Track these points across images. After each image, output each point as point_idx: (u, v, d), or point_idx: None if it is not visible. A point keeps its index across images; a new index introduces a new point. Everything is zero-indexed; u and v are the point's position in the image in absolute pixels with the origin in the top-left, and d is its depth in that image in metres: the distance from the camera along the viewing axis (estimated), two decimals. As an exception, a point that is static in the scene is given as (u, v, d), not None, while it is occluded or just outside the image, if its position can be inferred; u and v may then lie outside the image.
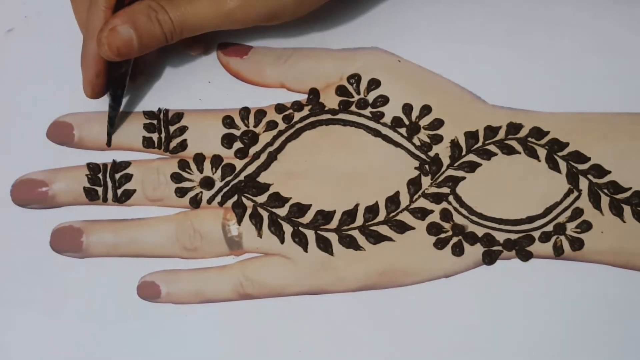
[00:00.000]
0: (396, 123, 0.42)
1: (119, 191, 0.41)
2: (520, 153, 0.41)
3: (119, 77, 0.41)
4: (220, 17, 0.39)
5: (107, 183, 0.41)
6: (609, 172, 0.40)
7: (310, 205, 0.41)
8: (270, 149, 0.42)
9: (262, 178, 0.41)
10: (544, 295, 0.39)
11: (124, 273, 0.40)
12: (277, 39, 0.44)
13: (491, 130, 0.41)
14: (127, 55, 0.39)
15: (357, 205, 0.41)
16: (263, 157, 0.42)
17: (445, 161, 0.41)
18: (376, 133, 0.42)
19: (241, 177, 0.41)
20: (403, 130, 0.42)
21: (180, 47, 0.43)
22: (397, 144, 0.41)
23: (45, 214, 0.41)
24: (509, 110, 0.42)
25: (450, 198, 0.41)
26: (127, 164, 0.42)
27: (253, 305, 0.40)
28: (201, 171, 0.41)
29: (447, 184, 0.41)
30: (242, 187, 0.41)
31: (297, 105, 0.43)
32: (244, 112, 0.42)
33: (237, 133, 0.42)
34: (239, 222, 0.40)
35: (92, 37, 0.39)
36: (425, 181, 0.41)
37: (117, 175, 0.41)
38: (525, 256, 0.40)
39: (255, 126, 0.42)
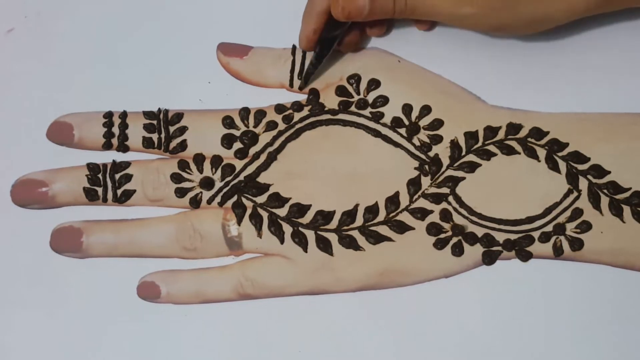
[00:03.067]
0: (396, 123, 0.42)
1: (119, 191, 0.41)
2: (520, 153, 0.41)
3: (329, 39, 0.41)
4: (451, 16, 0.39)
5: (107, 183, 0.41)
6: (609, 172, 0.40)
7: (310, 205, 0.41)
8: (270, 149, 0.42)
9: (262, 178, 0.41)
10: (543, 296, 0.39)
11: (124, 273, 0.40)
12: (277, 39, 0.44)
13: (491, 131, 0.41)
14: (353, 18, 0.39)
15: (356, 206, 0.41)
16: (263, 157, 0.42)
17: (445, 161, 0.41)
18: (376, 133, 0.42)
19: (241, 177, 0.41)
20: (403, 131, 0.42)
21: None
22: (397, 144, 0.41)
23: (45, 214, 0.41)
24: (509, 110, 0.42)
25: (450, 198, 0.41)
26: (127, 164, 0.42)
27: (253, 306, 0.40)
28: (201, 171, 0.41)
29: (447, 184, 0.41)
30: (242, 188, 0.41)
31: (297, 106, 0.43)
32: (244, 112, 0.42)
33: (237, 133, 0.42)
34: (239, 222, 0.40)
35: None
36: (425, 181, 0.41)
37: (117, 176, 0.41)
38: (525, 256, 0.40)
39: (255, 126, 0.42)
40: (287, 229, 0.40)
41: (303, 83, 0.43)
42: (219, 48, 0.44)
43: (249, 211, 0.41)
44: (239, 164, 0.42)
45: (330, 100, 0.43)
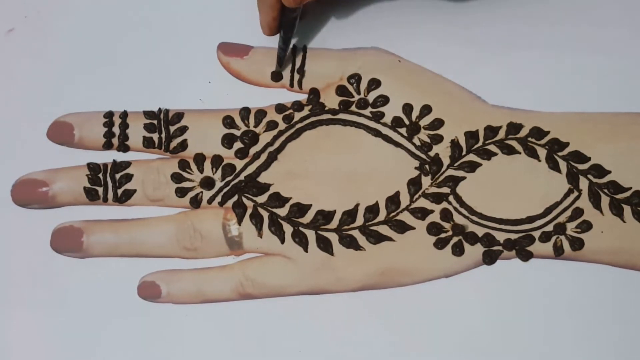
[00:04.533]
0: (396, 123, 0.42)
1: (120, 191, 0.41)
2: (520, 153, 0.41)
3: (290, 20, 0.42)
4: None
5: (107, 183, 0.41)
6: (609, 172, 0.40)
7: (311, 205, 0.41)
8: (271, 149, 0.42)
9: (263, 178, 0.41)
10: (544, 295, 0.39)
11: (124, 273, 0.40)
12: (278, 39, 0.44)
13: (491, 130, 0.41)
14: (305, 0, 0.40)
15: (357, 205, 0.41)
16: (263, 157, 0.42)
17: (446, 161, 0.41)
18: (376, 133, 0.42)
19: (241, 177, 0.41)
20: (403, 130, 0.42)
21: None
22: (398, 144, 0.41)
23: (45, 214, 0.41)
24: (509, 110, 0.42)
25: (451, 198, 0.41)
26: (127, 164, 0.42)
27: (253, 305, 0.40)
28: (201, 171, 0.41)
29: (447, 183, 0.41)
30: (242, 187, 0.41)
31: (297, 105, 0.43)
32: (244, 112, 0.42)
33: (238, 133, 0.42)
34: (239, 222, 0.40)
35: None
36: (426, 181, 0.41)
37: (118, 175, 0.41)
38: (526, 256, 0.40)
39: (255, 126, 0.42)
40: (288, 228, 0.40)
41: (278, 67, 0.43)
42: (220, 48, 0.44)
43: (249, 211, 0.41)
44: (239, 163, 0.41)
45: (331, 100, 0.43)
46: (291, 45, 0.43)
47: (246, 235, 0.40)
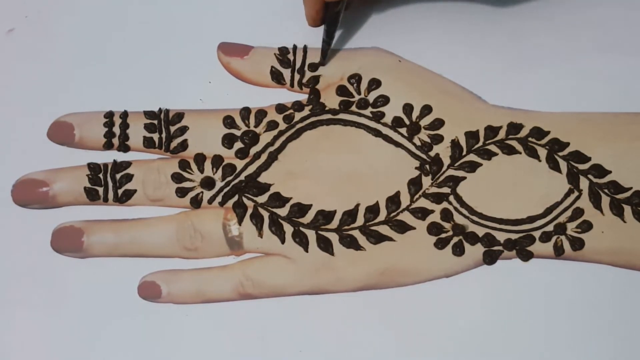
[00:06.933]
0: (397, 123, 0.42)
1: (120, 191, 0.41)
2: (520, 153, 0.41)
3: (333, 14, 0.42)
4: None
5: (107, 183, 0.41)
6: (610, 172, 0.40)
7: (311, 205, 0.41)
8: (271, 149, 0.42)
9: (263, 178, 0.41)
10: (544, 295, 0.39)
11: (125, 273, 0.40)
12: (278, 39, 0.44)
13: (491, 130, 0.41)
14: None
15: (357, 205, 0.41)
16: (264, 157, 0.42)
17: (446, 161, 0.41)
18: (377, 133, 0.42)
19: (242, 177, 0.41)
20: (403, 130, 0.42)
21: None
22: (398, 144, 0.41)
23: (45, 214, 0.41)
24: (509, 110, 0.42)
25: (451, 198, 0.41)
26: (127, 164, 0.42)
27: (254, 305, 0.40)
28: (202, 171, 0.41)
29: (448, 183, 0.41)
30: (242, 187, 0.41)
31: (298, 105, 0.43)
32: (245, 112, 0.42)
33: (238, 133, 0.42)
34: (240, 222, 0.40)
35: None
36: (426, 181, 0.41)
37: (118, 175, 0.41)
38: (526, 256, 0.40)
39: (255, 126, 0.42)
40: (288, 228, 0.40)
41: (322, 59, 0.43)
42: (220, 48, 0.44)
43: (249, 211, 0.41)
44: (239, 163, 0.41)
45: (331, 100, 0.43)
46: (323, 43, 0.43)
47: (246, 235, 0.40)
